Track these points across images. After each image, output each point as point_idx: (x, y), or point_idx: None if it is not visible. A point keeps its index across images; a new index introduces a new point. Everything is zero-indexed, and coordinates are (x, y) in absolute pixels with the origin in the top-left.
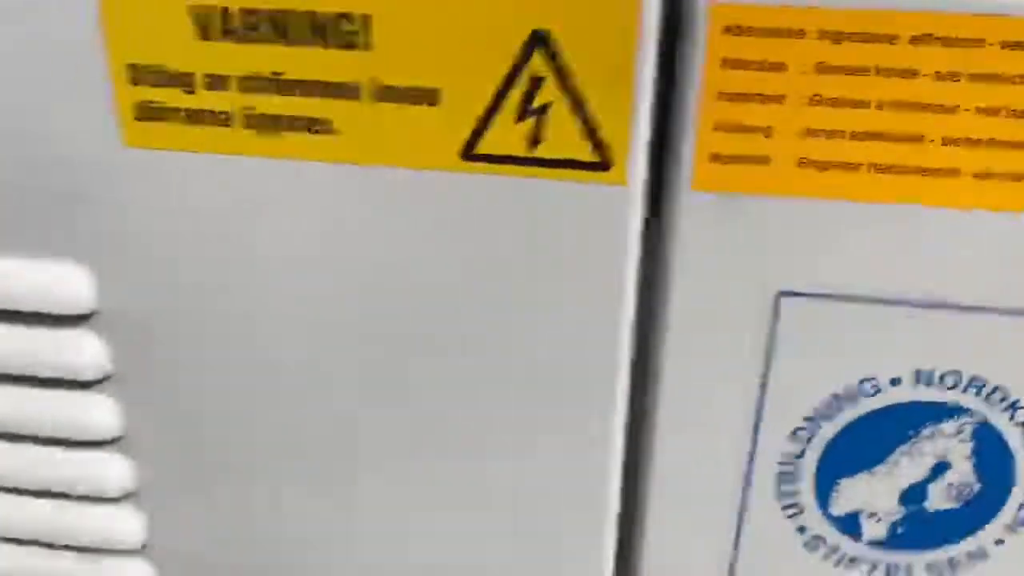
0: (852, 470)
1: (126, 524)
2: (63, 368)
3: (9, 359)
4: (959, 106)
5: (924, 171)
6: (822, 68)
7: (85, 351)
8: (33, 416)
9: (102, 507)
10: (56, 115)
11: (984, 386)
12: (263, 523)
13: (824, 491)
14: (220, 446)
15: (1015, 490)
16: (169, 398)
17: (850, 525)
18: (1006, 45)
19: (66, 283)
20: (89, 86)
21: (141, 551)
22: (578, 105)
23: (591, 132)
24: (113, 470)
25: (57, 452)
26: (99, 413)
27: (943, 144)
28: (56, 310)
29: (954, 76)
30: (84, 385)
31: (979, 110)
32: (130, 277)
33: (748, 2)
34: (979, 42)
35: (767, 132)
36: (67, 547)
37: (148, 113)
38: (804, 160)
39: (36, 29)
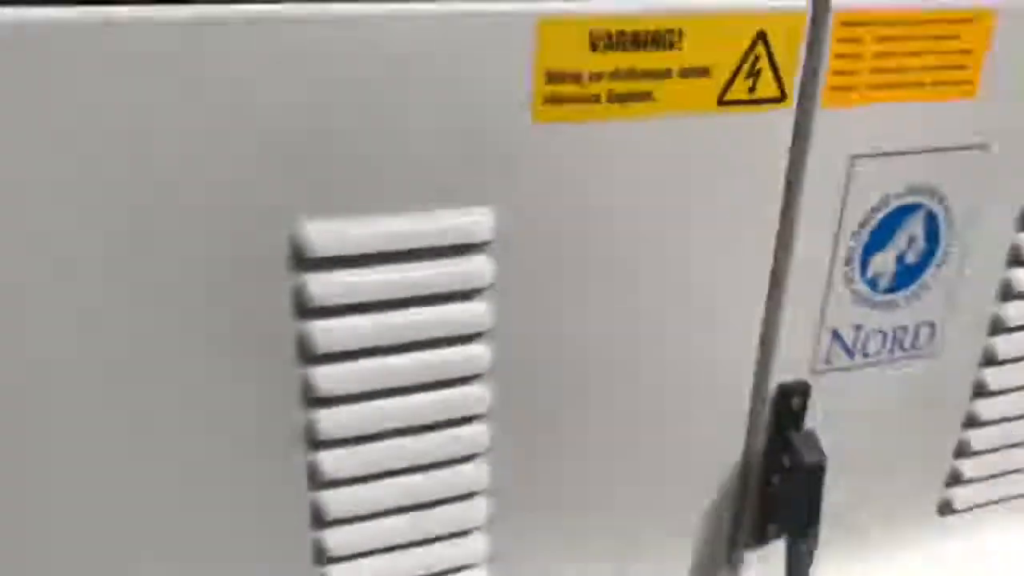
0: (876, 250)
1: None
2: (463, 281)
3: (428, 278)
4: None
5: None
6: None
7: (484, 269)
8: (430, 319)
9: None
10: (491, 102)
11: (931, 190)
12: None
13: (864, 264)
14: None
15: (940, 245)
16: (532, 303)
17: (872, 283)
18: None
19: (477, 221)
20: (514, 82)
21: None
22: (774, 69)
23: (779, 81)
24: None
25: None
26: (481, 315)
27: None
28: (467, 240)
29: None
30: (470, 296)
31: None
32: (522, 215)
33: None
34: None
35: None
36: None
37: (553, 99)
38: None
39: (481, 53)
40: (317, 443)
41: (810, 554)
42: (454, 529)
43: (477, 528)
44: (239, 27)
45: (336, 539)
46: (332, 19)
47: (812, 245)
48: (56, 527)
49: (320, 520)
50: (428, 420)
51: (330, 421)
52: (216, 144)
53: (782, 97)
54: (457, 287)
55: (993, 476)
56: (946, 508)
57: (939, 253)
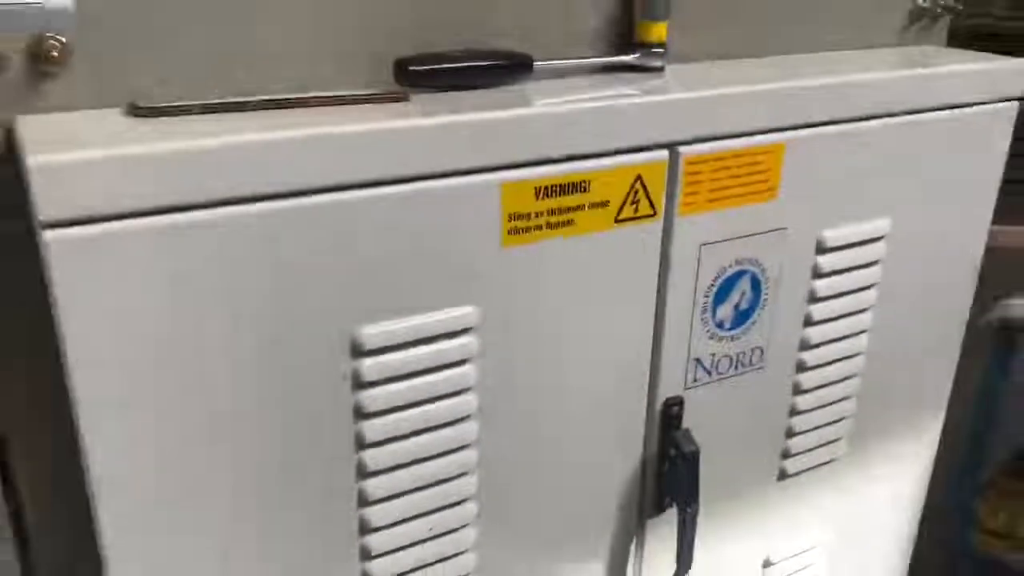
0: (720, 302)
1: None
2: (459, 354)
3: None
4: None
5: None
6: None
7: (472, 344)
8: (438, 380)
9: None
10: (473, 235)
11: (751, 260)
12: None
13: (714, 312)
14: None
15: (761, 294)
16: (502, 365)
17: (720, 325)
18: None
19: (467, 314)
20: (490, 223)
21: None
22: (648, 196)
23: (651, 203)
24: (472, 403)
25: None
26: (470, 375)
27: None
28: (461, 327)
29: None
30: (462, 363)
31: None
32: (495, 308)
33: None
34: None
35: None
36: None
37: (513, 230)
38: None
39: (468, 206)
40: (366, 473)
41: (694, 517)
42: (453, 526)
43: (468, 523)
44: (312, 217)
45: (377, 541)
46: (373, 200)
47: (678, 303)
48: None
49: (364, 528)
50: (438, 450)
51: (373, 458)
52: (303, 292)
53: (654, 213)
54: (455, 359)
55: (809, 450)
56: (782, 475)
57: (761, 300)
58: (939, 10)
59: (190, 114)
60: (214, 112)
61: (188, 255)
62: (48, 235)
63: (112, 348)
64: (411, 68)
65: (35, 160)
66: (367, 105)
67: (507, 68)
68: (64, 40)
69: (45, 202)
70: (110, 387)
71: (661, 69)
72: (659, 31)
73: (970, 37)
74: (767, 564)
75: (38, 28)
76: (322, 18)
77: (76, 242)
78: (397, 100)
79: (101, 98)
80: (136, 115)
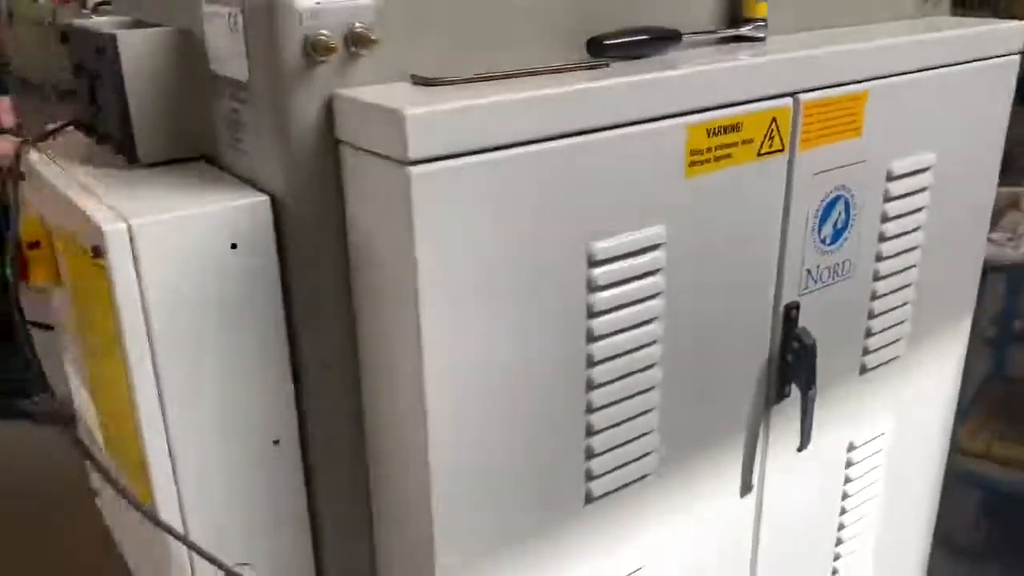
0: (824, 222)
1: None
2: (651, 265)
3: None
4: None
5: None
6: None
7: (661, 258)
8: (638, 287)
9: None
10: (664, 169)
11: (845, 187)
12: None
13: (820, 230)
14: None
15: (851, 216)
16: (685, 279)
17: (823, 240)
18: None
19: (658, 232)
20: (676, 157)
21: None
22: (780, 135)
23: (781, 140)
24: (659, 307)
25: None
26: (659, 284)
27: None
28: (654, 243)
29: None
30: (654, 273)
31: None
32: (681, 228)
33: None
34: None
35: None
36: None
37: (692, 163)
38: None
39: (662, 144)
40: (592, 362)
41: (813, 399)
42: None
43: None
44: (559, 155)
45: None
46: (602, 141)
47: (798, 222)
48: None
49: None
50: (635, 345)
51: (599, 349)
52: (560, 216)
53: (783, 148)
54: (649, 268)
55: (883, 346)
56: (863, 369)
57: (851, 219)
58: None
59: (457, 83)
60: (473, 82)
61: (499, 184)
62: (413, 170)
63: (452, 265)
64: (606, 42)
65: (412, 112)
66: (580, 72)
67: (668, 40)
68: (369, 29)
69: (414, 143)
70: (452, 300)
71: (763, 39)
72: (762, 8)
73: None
74: (851, 448)
75: (351, 21)
76: (537, 14)
77: (432, 174)
78: (598, 67)
79: (390, 74)
80: (422, 84)
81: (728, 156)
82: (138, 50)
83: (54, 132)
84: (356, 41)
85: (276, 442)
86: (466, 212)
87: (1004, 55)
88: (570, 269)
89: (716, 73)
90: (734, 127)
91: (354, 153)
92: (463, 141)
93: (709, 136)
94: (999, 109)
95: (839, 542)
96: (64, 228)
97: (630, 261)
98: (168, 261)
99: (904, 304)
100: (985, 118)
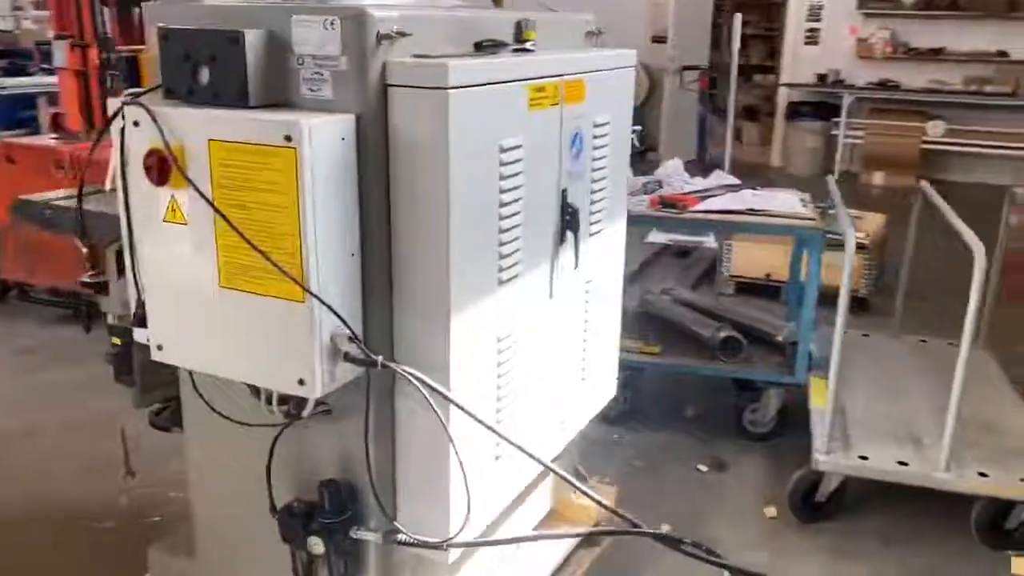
0: (573, 143)
1: None
2: None
3: None
4: None
5: None
6: None
7: None
8: None
9: None
10: None
11: (580, 126)
12: None
13: (572, 147)
14: None
15: (584, 146)
16: None
17: (576, 156)
18: None
19: (519, 140)
20: None
21: None
22: None
23: None
24: None
25: None
26: None
27: None
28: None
29: None
30: None
31: None
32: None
33: None
34: None
35: None
36: None
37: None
38: None
39: None
40: (502, 204)
41: (579, 241)
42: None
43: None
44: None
45: None
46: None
47: (564, 143)
48: None
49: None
50: (514, 195)
51: (506, 195)
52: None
53: (558, 103)
54: (519, 157)
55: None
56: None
57: (583, 146)
58: None
59: (433, 58)
60: (441, 59)
61: (476, 102)
62: (450, 92)
63: (462, 143)
64: (483, 44)
65: (452, 63)
66: (481, 56)
67: (503, 46)
68: (402, 30)
69: (452, 78)
70: (463, 161)
71: (534, 51)
72: (532, 35)
73: None
74: (588, 281)
75: (394, 26)
76: (451, 35)
77: (455, 94)
78: (485, 55)
79: (404, 54)
80: (419, 58)
81: (540, 104)
82: (254, 41)
83: (149, 91)
84: (397, 35)
85: (353, 255)
86: (464, 115)
87: (627, 67)
88: (497, 150)
89: (537, 61)
90: (541, 89)
91: (399, 90)
92: (461, 79)
93: (536, 91)
94: (629, 95)
95: (586, 328)
96: (225, 140)
97: (512, 153)
98: (320, 145)
99: (603, 193)
100: (625, 99)
